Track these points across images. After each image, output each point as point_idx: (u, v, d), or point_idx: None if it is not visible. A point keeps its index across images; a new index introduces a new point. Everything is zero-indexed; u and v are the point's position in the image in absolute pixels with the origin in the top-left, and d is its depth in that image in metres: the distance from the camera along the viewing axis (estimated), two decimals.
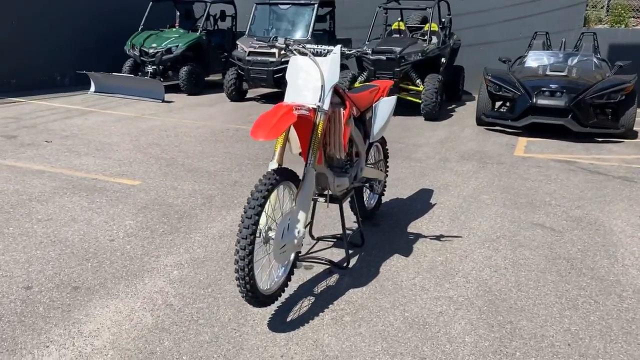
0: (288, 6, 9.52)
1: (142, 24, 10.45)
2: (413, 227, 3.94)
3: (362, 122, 3.43)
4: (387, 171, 4.16)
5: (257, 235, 2.51)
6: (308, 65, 2.80)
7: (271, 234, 2.55)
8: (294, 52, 2.86)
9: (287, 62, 8.63)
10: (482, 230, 3.91)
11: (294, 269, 2.89)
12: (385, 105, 3.58)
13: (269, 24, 9.80)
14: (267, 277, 2.73)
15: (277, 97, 9.58)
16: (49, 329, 2.56)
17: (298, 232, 2.64)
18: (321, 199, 3.22)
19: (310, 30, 9.21)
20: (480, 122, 7.67)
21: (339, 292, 2.97)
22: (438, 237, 3.76)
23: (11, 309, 2.72)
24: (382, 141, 3.99)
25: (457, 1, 10.64)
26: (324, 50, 2.90)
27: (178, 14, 11.26)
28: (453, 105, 9.59)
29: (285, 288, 2.81)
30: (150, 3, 10.54)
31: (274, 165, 2.66)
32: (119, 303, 2.81)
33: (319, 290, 2.99)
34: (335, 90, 2.93)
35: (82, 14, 10.66)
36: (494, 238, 3.76)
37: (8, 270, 3.11)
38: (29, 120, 7.26)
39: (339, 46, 2.90)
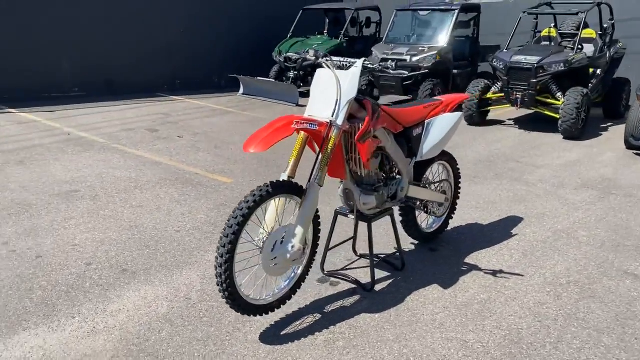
0: (428, 12, 9.27)
1: (290, 31, 11.11)
2: (474, 258, 3.59)
3: (407, 138, 3.24)
4: (457, 193, 3.85)
5: (258, 245, 2.56)
6: (329, 78, 2.75)
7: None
8: (323, 64, 2.83)
9: (418, 69, 8.58)
10: (554, 271, 3.39)
11: (301, 284, 2.88)
12: (444, 121, 3.34)
13: (410, 30, 9.66)
14: (260, 287, 2.76)
15: None
16: (83, 302, 2.94)
17: (292, 247, 2.61)
18: (352, 216, 3.14)
19: (448, 37, 8.85)
20: (628, 145, 6.58)
21: (348, 315, 2.86)
22: (494, 273, 3.37)
23: (66, 280, 3.18)
24: (451, 159, 3.71)
25: (626, 3, 9.24)
26: (349, 63, 2.82)
27: (327, 21, 11.71)
28: (609, 124, 8.36)
29: (288, 301, 2.82)
30: (301, 12, 11.14)
31: (284, 177, 2.67)
32: (149, 289, 3.09)
33: (330, 309, 2.92)
34: (363, 104, 2.83)
35: (242, 22, 11.72)
36: (563, 283, 3.24)
37: (82, 247, 3.63)
38: (175, 117, 8.25)
39: (361, 60, 2.79)
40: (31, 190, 4.70)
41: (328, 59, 2.83)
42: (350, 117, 2.82)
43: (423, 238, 3.75)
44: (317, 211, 2.90)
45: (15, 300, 2.95)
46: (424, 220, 3.86)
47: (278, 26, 11.72)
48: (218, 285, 2.46)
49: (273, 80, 10.09)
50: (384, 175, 3.20)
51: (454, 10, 8.94)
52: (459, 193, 3.91)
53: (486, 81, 8.02)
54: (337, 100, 2.68)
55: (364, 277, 3.28)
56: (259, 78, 10.20)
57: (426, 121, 3.33)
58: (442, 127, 3.33)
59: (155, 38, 10.46)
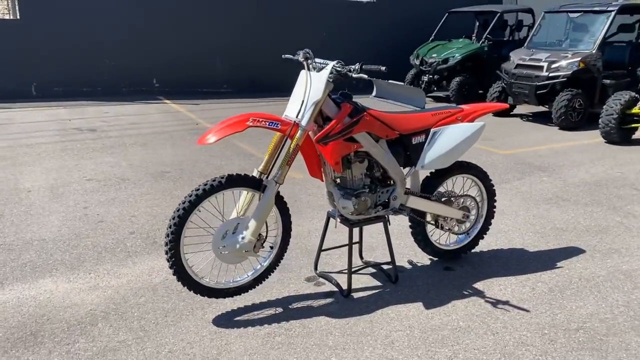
0: (579, 14, 8.26)
1: (433, 34, 10.85)
2: (487, 284, 3.26)
3: (404, 145, 3.09)
4: (492, 212, 3.52)
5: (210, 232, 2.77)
6: (303, 79, 2.81)
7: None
8: (304, 65, 2.88)
9: (554, 77, 7.72)
10: (572, 314, 2.91)
11: (267, 277, 2.99)
12: (456, 131, 3.11)
13: (558, 34, 8.74)
14: (217, 271, 2.94)
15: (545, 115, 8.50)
16: (104, 263, 3.46)
17: (243, 238, 2.74)
18: (339, 219, 3.13)
19: (598, 41, 7.78)
20: None
21: (308, 314, 2.88)
22: (496, 303, 3.03)
23: (106, 244, 3.75)
24: (480, 174, 3.41)
25: None
26: (325, 65, 2.82)
27: (477, 24, 11.15)
28: None
29: (250, 290, 2.96)
30: (446, 14, 10.81)
31: (256, 172, 2.82)
32: (160, 262, 3.50)
33: (296, 306, 2.97)
34: (342, 107, 2.82)
35: (390, 26, 11.82)
36: (572, 328, 2.78)
37: (138, 219, 4.21)
38: None
39: (333, 62, 2.76)
40: (135, 168, 5.54)
41: (311, 60, 2.87)
42: (328, 119, 2.83)
43: (437, 254, 3.51)
44: (288, 210, 2.98)
45: (59, 252, 3.60)
46: (443, 236, 3.61)
47: (425, 30, 11.55)
48: (168, 262, 2.72)
49: (402, 84, 9.99)
50: (371, 181, 3.11)
51: (610, 11, 7.82)
52: (494, 212, 3.56)
53: (634, 94, 6.89)
54: (303, 101, 2.73)
55: (358, 282, 3.23)
56: (390, 81, 10.20)
57: (432, 129, 3.14)
58: (452, 138, 3.10)
59: (299, 42, 11.19)
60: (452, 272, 3.42)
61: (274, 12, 10.84)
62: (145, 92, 10.07)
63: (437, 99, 9.67)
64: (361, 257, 3.54)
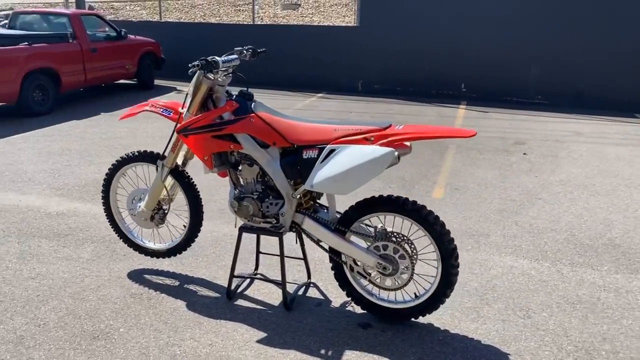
0: None
1: None
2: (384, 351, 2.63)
3: (296, 159, 2.83)
4: (449, 273, 2.72)
5: None
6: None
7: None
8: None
9: None
10: None
11: (186, 247, 3.45)
12: (355, 154, 2.63)
13: None
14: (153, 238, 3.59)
15: None
16: (151, 239, 4.53)
17: (139, 207, 3.39)
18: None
19: None
20: None
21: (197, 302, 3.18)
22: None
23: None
24: (428, 221, 2.69)
25: None
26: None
27: None
28: None
29: (164, 257, 3.55)
30: None
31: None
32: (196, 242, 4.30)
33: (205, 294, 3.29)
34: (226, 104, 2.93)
35: None
36: None
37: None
38: (566, 136, 7.30)
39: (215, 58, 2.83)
40: None
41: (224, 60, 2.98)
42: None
43: (360, 302, 2.97)
44: (197, 193, 3.28)
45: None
46: (365, 285, 2.98)
47: None
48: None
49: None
50: (264, 190, 3.00)
51: None
52: (453, 277, 2.72)
53: None
54: (187, 93, 3.02)
55: (259, 292, 3.22)
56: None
57: (329, 146, 2.72)
58: (347, 159, 2.64)
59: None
60: (365, 331, 2.86)
61: (621, 11, 8.94)
62: (451, 96, 10.31)
63: None
64: (256, 268, 3.45)
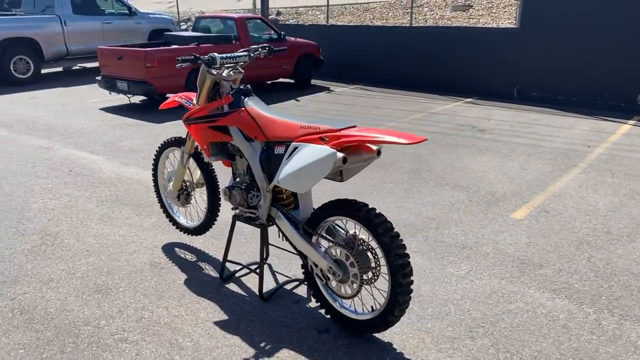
0: None
1: None
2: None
3: (269, 154, 2.90)
4: (395, 295, 2.54)
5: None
6: None
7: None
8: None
9: None
10: None
11: (211, 225, 3.74)
12: (308, 152, 2.61)
13: None
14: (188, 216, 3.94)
15: None
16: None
17: (169, 187, 3.78)
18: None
19: None
20: None
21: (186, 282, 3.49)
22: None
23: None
24: (374, 227, 2.55)
25: None
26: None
27: None
28: None
29: (194, 235, 3.84)
30: None
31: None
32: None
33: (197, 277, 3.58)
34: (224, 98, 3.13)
35: None
36: None
37: None
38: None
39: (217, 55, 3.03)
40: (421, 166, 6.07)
41: (223, 57, 3.16)
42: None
43: (323, 306, 2.90)
44: (215, 178, 3.53)
45: None
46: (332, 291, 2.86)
47: None
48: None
49: None
50: (252, 181, 3.12)
51: None
52: (404, 296, 2.53)
53: None
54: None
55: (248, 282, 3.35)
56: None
57: (293, 143, 2.72)
58: (301, 158, 2.64)
59: None
60: (318, 336, 2.81)
61: None
62: (621, 109, 8.77)
63: None
64: (266, 258, 3.52)
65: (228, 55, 3.15)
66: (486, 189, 5.15)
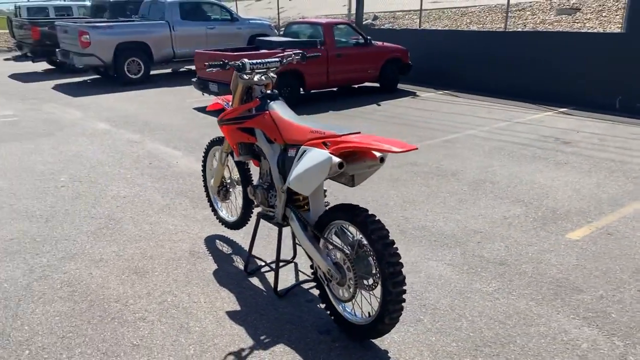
0: None
1: None
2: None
3: (284, 156, 3.03)
4: (386, 304, 2.55)
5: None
6: None
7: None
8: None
9: None
10: None
11: (247, 218, 3.92)
12: (311, 156, 2.72)
13: None
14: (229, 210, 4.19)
15: None
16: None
17: (211, 182, 3.99)
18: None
19: None
20: None
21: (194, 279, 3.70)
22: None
23: None
24: (369, 232, 2.58)
25: None
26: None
27: None
28: None
29: (233, 229, 4.01)
30: None
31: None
32: None
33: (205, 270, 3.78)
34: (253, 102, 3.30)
35: None
36: None
37: None
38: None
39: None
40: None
41: (253, 63, 3.31)
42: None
43: (328, 309, 2.94)
44: (250, 177, 3.75)
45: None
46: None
47: None
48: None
49: None
50: (271, 181, 3.25)
51: None
52: (395, 304, 2.53)
53: None
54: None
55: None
56: None
57: (302, 147, 2.82)
58: (305, 162, 2.75)
59: None
60: (318, 336, 2.87)
61: None
62: None
63: None
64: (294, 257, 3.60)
65: (259, 61, 3.31)
66: (548, 205, 4.83)
